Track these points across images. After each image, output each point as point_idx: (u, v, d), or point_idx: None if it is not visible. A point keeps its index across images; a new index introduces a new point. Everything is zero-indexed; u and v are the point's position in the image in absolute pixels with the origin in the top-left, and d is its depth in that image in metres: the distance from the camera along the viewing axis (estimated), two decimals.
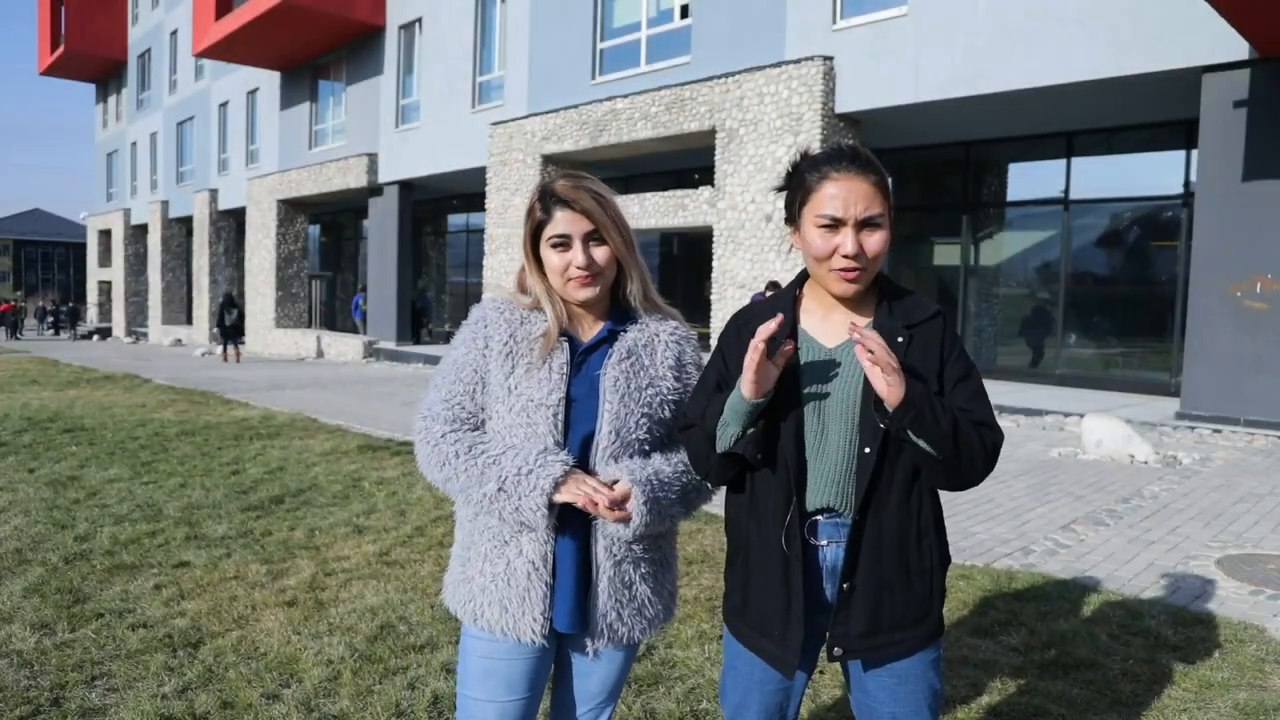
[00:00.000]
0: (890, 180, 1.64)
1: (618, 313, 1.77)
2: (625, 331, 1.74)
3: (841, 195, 1.56)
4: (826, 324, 1.68)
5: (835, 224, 1.57)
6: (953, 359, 1.65)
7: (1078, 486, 6.42)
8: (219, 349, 20.75)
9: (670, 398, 1.75)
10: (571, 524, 1.68)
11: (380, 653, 3.26)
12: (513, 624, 1.68)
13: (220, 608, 3.72)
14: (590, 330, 1.75)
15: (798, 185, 1.64)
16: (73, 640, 3.35)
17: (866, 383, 1.58)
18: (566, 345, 1.70)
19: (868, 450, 1.58)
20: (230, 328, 19.76)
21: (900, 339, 1.61)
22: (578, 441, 1.68)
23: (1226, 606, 3.90)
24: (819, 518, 1.64)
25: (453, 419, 1.71)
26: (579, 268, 1.66)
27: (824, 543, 1.64)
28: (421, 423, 1.74)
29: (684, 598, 3.88)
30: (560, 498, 1.61)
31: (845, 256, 1.57)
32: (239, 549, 4.60)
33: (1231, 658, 3.32)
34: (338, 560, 4.43)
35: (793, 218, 1.66)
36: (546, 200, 1.70)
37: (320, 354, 21.70)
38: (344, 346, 20.58)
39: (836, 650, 1.62)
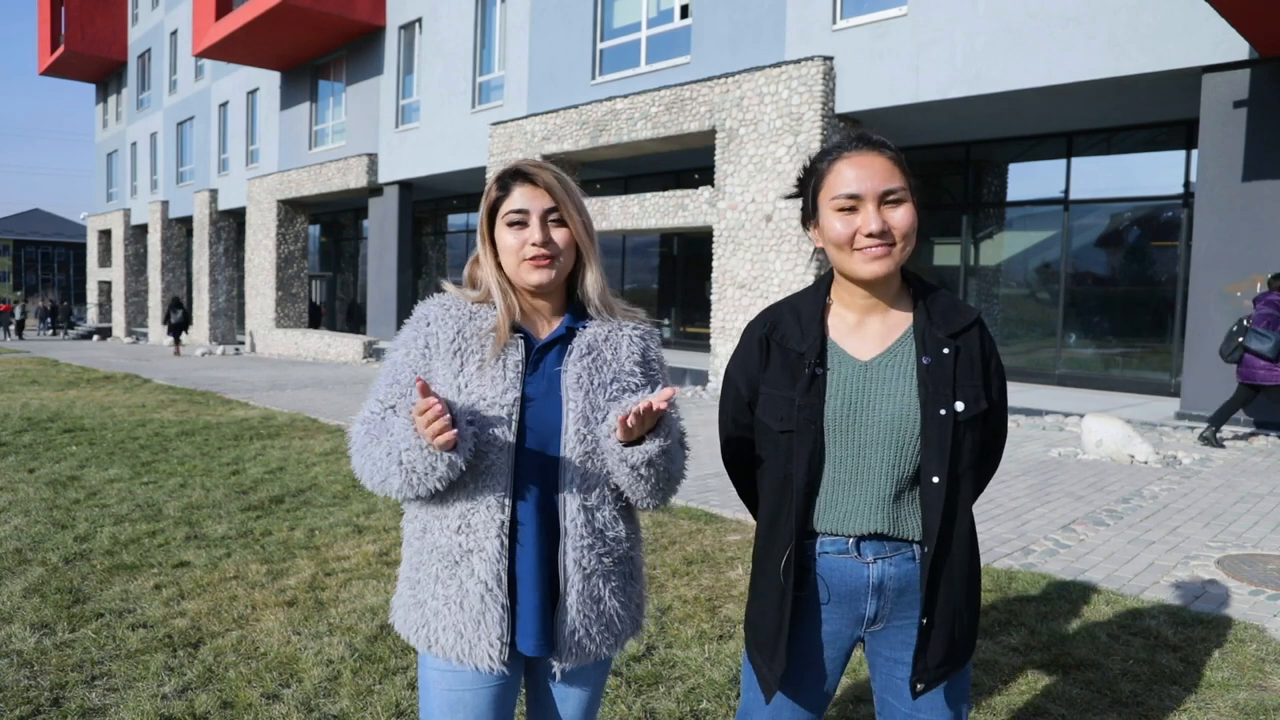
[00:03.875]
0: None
1: (575, 310, 1.64)
2: (585, 328, 1.61)
3: (856, 171, 1.47)
4: (860, 334, 1.55)
5: (854, 203, 1.47)
6: (994, 372, 1.57)
7: (1078, 486, 6.42)
8: (176, 345, 24.09)
9: (637, 394, 1.63)
10: (535, 538, 1.55)
11: (380, 653, 3.26)
12: (469, 650, 1.54)
13: (220, 608, 3.72)
14: (546, 327, 1.63)
15: (811, 176, 1.54)
16: (73, 640, 3.35)
17: (927, 399, 1.46)
18: (522, 342, 1.57)
19: (935, 480, 1.45)
20: (175, 325, 23.22)
21: (946, 350, 1.50)
22: (536, 443, 1.55)
23: (1226, 606, 3.91)
24: (863, 541, 1.54)
25: (381, 421, 1.58)
26: (534, 244, 1.54)
27: (870, 560, 1.54)
28: (354, 429, 1.61)
29: (684, 598, 3.89)
30: (441, 439, 1.40)
31: (870, 235, 1.45)
32: (239, 549, 4.60)
33: (1231, 658, 3.32)
34: (338, 560, 4.43)
35: (809, 214, 1.56)
36: (504, 177, 1.59)
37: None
38: (344, 346, 20.57)
39: (920, 686, 1.55)
